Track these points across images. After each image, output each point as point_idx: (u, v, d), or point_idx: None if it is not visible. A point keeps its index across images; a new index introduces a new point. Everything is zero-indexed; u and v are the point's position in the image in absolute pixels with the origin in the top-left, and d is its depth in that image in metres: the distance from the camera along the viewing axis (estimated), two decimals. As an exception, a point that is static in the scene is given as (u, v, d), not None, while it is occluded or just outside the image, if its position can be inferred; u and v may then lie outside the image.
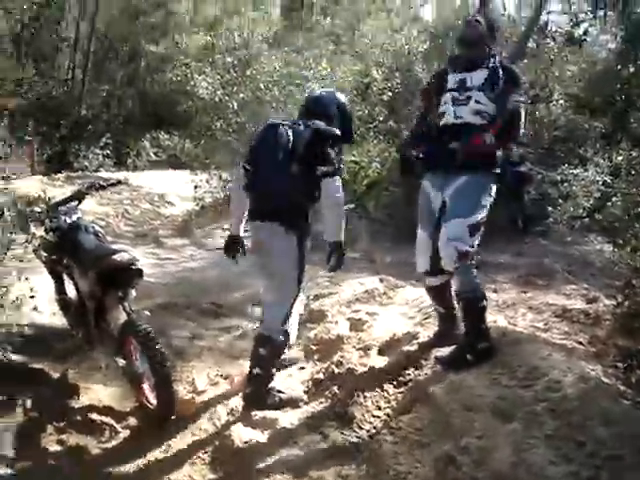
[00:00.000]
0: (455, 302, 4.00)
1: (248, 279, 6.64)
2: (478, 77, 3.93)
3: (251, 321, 5.60)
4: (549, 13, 7.61)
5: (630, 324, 4.36)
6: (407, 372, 3.96)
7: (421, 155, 4.06)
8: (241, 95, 10.80)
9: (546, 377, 3.46)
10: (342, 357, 4.44)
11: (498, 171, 3.89)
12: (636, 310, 4.32)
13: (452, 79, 4.03)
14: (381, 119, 11.00)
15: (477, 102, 3.88)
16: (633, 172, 5.76)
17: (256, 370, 4.05)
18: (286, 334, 4.10)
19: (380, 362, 4.25)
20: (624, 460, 2.85)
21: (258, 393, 4.06)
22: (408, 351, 4.19)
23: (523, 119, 3.94)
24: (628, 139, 4.05)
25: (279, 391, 4.15)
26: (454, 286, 3.89)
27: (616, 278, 5.43)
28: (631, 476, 2.79)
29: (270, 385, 4.12)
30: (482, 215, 3.81)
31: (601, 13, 3.81)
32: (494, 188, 3.92)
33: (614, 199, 6.36)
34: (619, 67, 3.51)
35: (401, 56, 11.59)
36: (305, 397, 4.14)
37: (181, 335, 5.49)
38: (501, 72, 3.92)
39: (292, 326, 4.28)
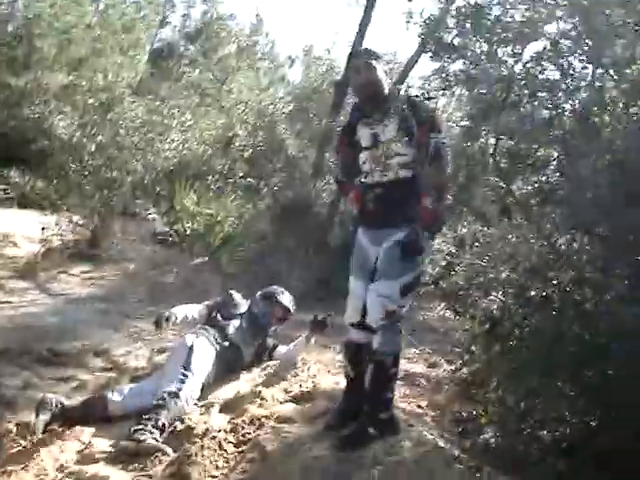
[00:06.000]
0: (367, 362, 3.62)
1: (90, 328, 6.39)
2: (390, 126, 3.67)
3: (89, 373, 5.36)
4: (409, 87, 7.87)
5: (467, 390, 4.51)
6: (248, 432, 3.87)
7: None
8: (99, 138, 10.55)
9: (384, 440, 3.48)
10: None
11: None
12: (472, 377, 4.48)
13: (364, 134, 3.77)
14: (241, 174, 11.07)
15: (398, 154, 3.64)
16: (476, 244, 6.08)
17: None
18: None
19: (221, 420, 4.14)
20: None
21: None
22: (250, 410, 4.12)
23: (447, 155, 3.62)
24: (470, 213, 4.27)
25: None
26: (373, 345, 3.54)
27: (457, 344, 5.63)
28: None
29: None
30: (415, 274, 3.57)
31: (456, 91, 4.04)
32: (431, 243, 3.71)
33: (457, 268, 6.67)
34: (466, 144, 3.74)
35: (265, 115, 11.76)
36: (170, 451, 3.85)
37: (13, 384, 5.14)
38: (411, 113, 3.63)
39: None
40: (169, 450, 3.85)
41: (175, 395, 4.24)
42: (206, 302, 5.38)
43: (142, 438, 3.91)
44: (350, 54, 3.63)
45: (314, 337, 5.17)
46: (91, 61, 15.41)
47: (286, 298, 5.40)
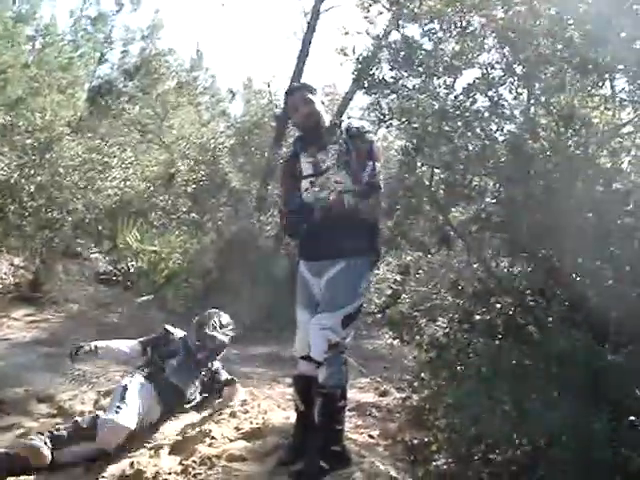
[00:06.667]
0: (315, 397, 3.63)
1: (33, 372, 6.23)
2: (330, 156, 3.74)
3: (34, 419, 5.22)
4: (349, 118, 7.99)
5: (417, 417, 4.53)
6: (199, 472, 3.81)
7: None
8: (39, 178, 10.41)
9: (336, 473, 3.48)
10: (132, 457, 4.22)
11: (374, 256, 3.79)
12: (423, 404, 4.51)
13: (305, 164, 3.84)
14: (184, 210, 11.02)
15: (337, 182, 3.68)
16: (420, 271, 6.16)
17: None
18: None
19: (171, 462, 4.07)
20: None
21: None
22: (201, 450, 4.06)
23: (379, 182, 3.71)
24: (408, 243, 4.35)
25: None
26: (319, 378, 3.56)
27: (406, 371, 5.67)
28: None
29: None
30: (356, 304, 3.61)
31: (392, 124, 4.10)
32: (370, 273, 3.80)
33: (403, 296, 6.74)
34: (404, 176, 3.81)
35: (207, 149, 11.75)
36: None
37: (-46, 435, 4.98)
38: (350, 144, 3.71)
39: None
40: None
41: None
42: (140, 338, 5.26)
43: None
44: (287, 90, 3.65)
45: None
46: (29, 101, 15.22)
47: (224, 319, 5.32)
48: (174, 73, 18.52)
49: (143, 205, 11.82)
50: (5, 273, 9.91)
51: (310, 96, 3.83)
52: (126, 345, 5.15)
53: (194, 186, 11.26)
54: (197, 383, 5.03)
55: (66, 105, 15.74)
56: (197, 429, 4.40)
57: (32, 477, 4.14)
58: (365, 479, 3.49)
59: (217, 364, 5.25)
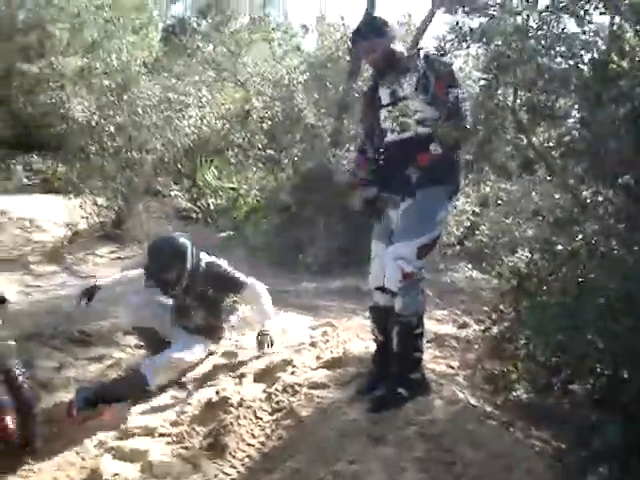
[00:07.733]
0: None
1: (118, 307, 6.45)
2: (408, 84, 3.65)
3: (122, 351, 5.43)
4: (421, 49, 7.78)
5: (497, 348, 4.51)
6: (282, 399, 3.91)
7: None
8: (118, 119, 10.57)
9: (416, 400, 3.51)
10: (217, 385, 4.36)
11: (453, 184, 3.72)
12: (502, 335, 4.48)
13: (383, 93, 3.77)
14: (260, 147, 11.04)
15: (416, 111, 3.61)
16: (499, 202, 6.07)
17: None
18: None
19: (255, 390, 4.19)
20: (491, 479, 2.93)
21: None
22: (283, 378, 4.15)
23: (466, 109, 3.62)
24: (491, 168, 4.24)
25: None
26: (395, 308, 3.55)
27: (485, 303, 5.63)
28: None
29: None
30: (433, 234, 3.58)
31: (471, 48, 3.97)
32: (448, 203, 3.74)
33: (482, 227, 6.66)
34: (484, 99, 3.70)
35: (281, 86, 11.69)
36: None
37: (47, 365, 5.22)
38: (428, 69, 3.61)
39: None
40: None
41: None
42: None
43: None
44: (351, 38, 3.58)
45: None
46: (104, 43, 15.39)
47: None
48: (247, 10, 18.38)
49: (220, 143, 11.90)
50: (90, 213, 10.19)
51: (376, 40, 3.71)
52: (131, 277, 5.15)
53: (270, 123, 11.25)
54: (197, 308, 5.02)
55: (141, 46, 15.85)
56: (279, 359, 4.49)
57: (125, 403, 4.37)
58: (445, 407, 3.52)
59: (203, 258, 5.19)
